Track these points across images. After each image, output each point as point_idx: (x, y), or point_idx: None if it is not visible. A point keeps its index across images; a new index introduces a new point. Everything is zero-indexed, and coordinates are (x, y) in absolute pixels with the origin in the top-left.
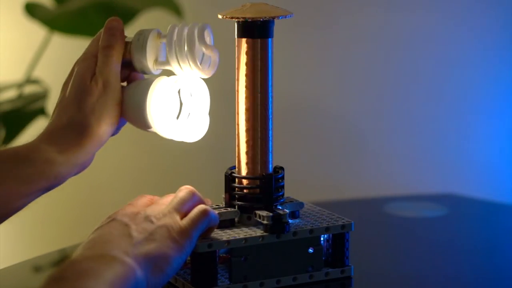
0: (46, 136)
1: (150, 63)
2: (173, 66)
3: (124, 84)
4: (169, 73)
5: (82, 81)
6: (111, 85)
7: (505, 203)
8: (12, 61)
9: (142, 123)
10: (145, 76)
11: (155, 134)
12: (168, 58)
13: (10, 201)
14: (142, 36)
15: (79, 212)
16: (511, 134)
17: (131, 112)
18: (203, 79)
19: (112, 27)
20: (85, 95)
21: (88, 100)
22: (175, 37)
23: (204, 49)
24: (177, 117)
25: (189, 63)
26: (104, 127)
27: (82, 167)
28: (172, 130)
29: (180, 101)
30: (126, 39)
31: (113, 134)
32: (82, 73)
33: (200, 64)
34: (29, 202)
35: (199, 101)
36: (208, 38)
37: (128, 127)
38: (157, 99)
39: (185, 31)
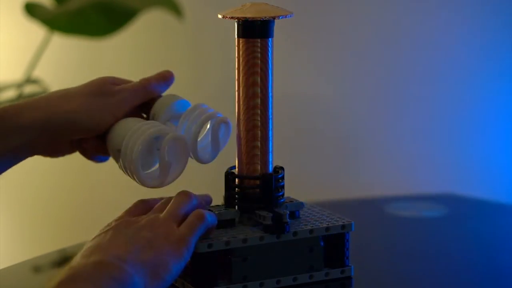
0: (32, 99)
1: (161, 121)
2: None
3: None
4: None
5: (102, 79)
6: (124, 96)
7: (505, 203)
8: (12, 61)
9: (117, 147)
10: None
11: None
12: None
13: None
14: (175, 97)
15: (78, 212)
16: (511, 134)
17: (115, 135)
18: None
19: (165, 76)
20: (93, 85)
21: (93, 88)
22: (191, 118)
23: (214, 141)
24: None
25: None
26: (94, 112)
27: (53, 148)
28: (137, 172)
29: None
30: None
31: (95, 158)
32: (105, 77)
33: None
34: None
35: (178, 162)
36: (226, 135)
37: None
38: (145, 136)
39: (203, 117)
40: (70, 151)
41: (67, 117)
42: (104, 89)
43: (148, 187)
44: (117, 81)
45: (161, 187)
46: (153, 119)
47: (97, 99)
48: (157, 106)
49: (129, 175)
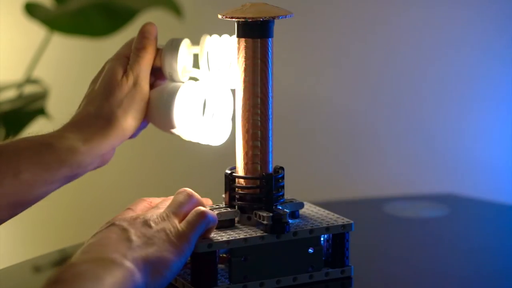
0: (71, 125)
1: (180, 68)
2: (203, 74)
3: None
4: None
5: (113, 75)
6: (140, 83)
7: (505, 203)
8: (12, 61)
9: (167, 126)
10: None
11: (154, 133)
12: (200, 66)
13: (33, 188)
14: (176, 41)
15: (79, 212)
16: (511, 134)
17: (157, 112)
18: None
19: (146, 30)
20: (114, 89)
21: (117, 93)
22: (207, 45)
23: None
24: (201, 120)
25: (219, 70)
26: (130, 121)
27: (103, 159)
28: (195, 133)
29: (205, 105)
30: (158, 46)
31: (136, 135)
32: (114, 68)
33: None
34: (52, 191)
35: (223, 107)
36: None
37: None
38: (183, 101)
39: (216, 40)
40: (114, 150)
41: (115, 142)
42: (121, 92)
43: (215, 143)
44: (123, 65)
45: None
46: (171, 77)
47: (124, 106)
48: (166, 68)
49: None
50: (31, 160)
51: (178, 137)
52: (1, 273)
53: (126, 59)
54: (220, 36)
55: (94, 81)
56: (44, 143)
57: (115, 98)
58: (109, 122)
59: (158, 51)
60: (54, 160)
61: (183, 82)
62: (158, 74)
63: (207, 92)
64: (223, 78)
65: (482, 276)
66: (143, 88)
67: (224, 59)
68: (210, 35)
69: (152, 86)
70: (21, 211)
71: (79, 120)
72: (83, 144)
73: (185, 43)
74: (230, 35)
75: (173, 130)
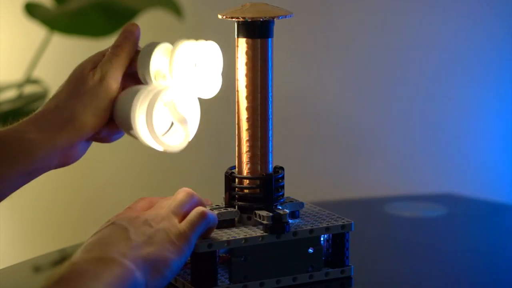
0: (29, 120)
1: (152, 72)
2: (172, 80)
3: None
4: None
5: (81, 70)
6: (108, 79)
7: (505, 203)
8: (12, 61)
9: (126, 124)
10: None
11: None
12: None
13: None
14: (153, 45)
15: (79, 212)
16: (511, 134)
17: (118, 112)
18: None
19: (128, 30)
20: (78, 83)
21: (80, 88)
22: (178, 52)
23: (205, 72)
24: (160, 126)
25: (188, 80)
26: (89, 117)
27: (65, 157)
28: (152, 138)
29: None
30: (139, 49)
31: (110, 139)
32: (83, 64)
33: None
34: (10, 188)
35: (188, 115)
36: (218, 62)
37: None
38: (144, 103)
39: (189, 47)
40: (85, 150)
41: (71, 137)
42: (84, 87)
43: (171, 150)
44: (94, 63)
45: (184, 145)
46: (144, 80)
47: (85, 100)
48: (139, 70)
49: (149, 145)
50: None
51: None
52: (1, 273)
53: (101, 56)
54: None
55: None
56: None
57: (77, 93)
58: (66, 114)
59: (138, 53)
60: (7, 154)
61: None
62: (137, 79)
63: (171, 98)
64: (189, 85)
65: (482, 276)
66: (109, 85)
67: (189, 66)
68: (197, 39)
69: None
70: None
71: (38, 115)
72: (35, 136)
73: (163, 47)
74: (230, 35)
75: (132, 132)
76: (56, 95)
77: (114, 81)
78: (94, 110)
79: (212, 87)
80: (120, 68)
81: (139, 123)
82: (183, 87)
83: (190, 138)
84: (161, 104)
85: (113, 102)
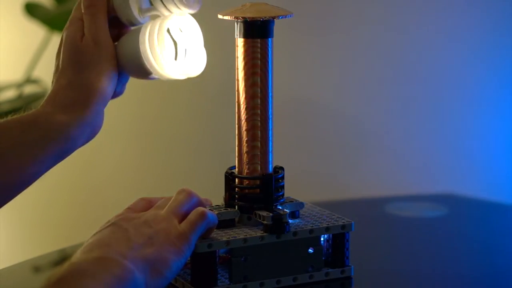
0: (48, 101)
1: (135, 11)
2: (158, 8)
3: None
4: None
5: (73, 43)
6: (101, 40)
7: (505, 203)
8: (11, 61)
9: (141, 71)
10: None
11: (154, 133)
12: (152, 2)
13: (24, 167)
14: None
15: (79, 212)
16: (511, 134)
17: (129, 63)
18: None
19: None
20: (78, 56)
21: (82, 59)
22: None
23: None
24: (175, 57)
25: (173, 1)
26: (104, 81)
27: (92, 127)
28: (172, 70)
29: (174, 40)
30: None
31: (119, 92)
32: (71, 36)
33: (185, 0)
34: (45, 169)
35: (192, 36)
36: None
37: (125, 129)
38: (150, 42)
39: None
40: (103, 116)
41: (98, 108)
42: (86, 56)
43: (192, 74)
44: (79, 30)
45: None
46: (130, 22)
47: (94, 69)
48: (122, 15)
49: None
50: (15, 140)
51: (178, 137)
52: (1, 273)
53: (80, 22)
54: None
55: (58, 55)
56: (26, 122)
57: (82, 64)
58: (85, 88)
59: (109, 2)
60: (39, 137)
61: (143, 24)
62: (120, 23)
63: (171, 26)
64: (179, 7)
65: (482, 276)
66: (105, 44)
67: None
68: None
69: (118, 37)
70: (14, 195)
71: (55, 95)
72: (65, 115)
73: None
74: (230, 35)
75: (150, 76)
76: (61, 74)
77: (107, 38)
78: (106, 73)
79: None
80: (104, 24)
81: (152, 63)
82: (173, 11)
83: (204, 54)
84: (163, 35)
85: (116, 56)
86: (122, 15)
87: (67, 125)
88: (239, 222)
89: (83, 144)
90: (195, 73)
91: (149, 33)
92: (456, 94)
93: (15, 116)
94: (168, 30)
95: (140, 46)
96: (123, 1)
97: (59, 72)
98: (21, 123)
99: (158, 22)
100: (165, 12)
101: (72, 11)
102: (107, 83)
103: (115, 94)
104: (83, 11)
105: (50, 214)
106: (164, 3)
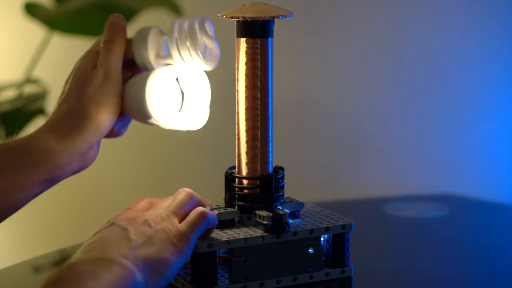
0: (45, 127)
1: (151, 57)
2: (175, 58)
3: None
4: None
5: (83, 72)
6: (111, 75)
7: (505, 203)
8: (11, 61)
9: (142, 115)
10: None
11: (154, 133)
12: (170, 51)
13: (9, 193)
14: (144, 30)
15: (78, 213)
16: (511, 134)
17: (132, 104)
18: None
19: (114, 22)
20: (85, 85)
21: (88, 89)
22: (176, 29)
23: (205, 39)
24: (178, 107)
25: (190, 53)
26: (104, 115)
27: (84, 160)
28: (172, 120)
29: (181, 91)
30: (128, 38)
31: (119, 132)
32: (83, 66)
33: (202, 55)
34: (31, 196)
35: (200, 91)
36: (209, 30)
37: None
38: (155, 89)
39: (186, 24)
40: (99, 149)
41: (90, 139)
42: (92, 87)
43: (192, 127)
44: (92, 62)
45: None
46: (143, 66)
47: (96, 101)
48: (138, 58)
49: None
50: (4, 164)
51: (178, 137)
52: (1, 273)
53: (96, 54)
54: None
55: (66, 82)
56: (16, 146)
57: (86, 94)
58: (82, 118)
59: (129, 43)
60: (28, 163)
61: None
62: (134, 67)
63: (181, 76)
64: (195, 61)
65: (482, 276)
66: (114, 80)
67: (193, 43)
68: (180, 18)
69: (129, 79)
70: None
71: (53, 121)
72: (56, 143)
73: (154, 31)
74: (230, 35)
75: (150, 121)
76: (64, 100)
77: (117, 75)
78: (107, 108)
79: (212, 57)
80: (119, 61)
81: (154, 108)
82: (188, 63)
83: (208, 112)
84: (172, 83)
85: (122, 95)
86: (138, 57)
87: (55, 152)
88: (239, 222)
89: (73, 174)
90: (195, 128)
91: (155, 79)
92: (456, 94)
93: (7, 141)
94: (177, 79)
95: (145, 91)
96: (142, 44)
97: (63, 98)
98: (13, 147)
99: (166, 70)
100: (181, 62)
101: (92, 44)
102: (105, 117)
103: (115, 134)
104: (101, 44)
105: (50, 214)
106: (181, 54)
